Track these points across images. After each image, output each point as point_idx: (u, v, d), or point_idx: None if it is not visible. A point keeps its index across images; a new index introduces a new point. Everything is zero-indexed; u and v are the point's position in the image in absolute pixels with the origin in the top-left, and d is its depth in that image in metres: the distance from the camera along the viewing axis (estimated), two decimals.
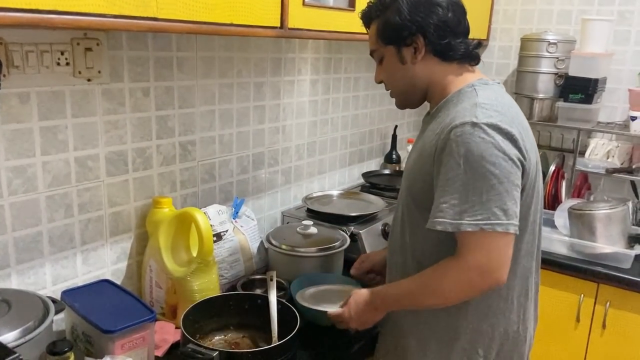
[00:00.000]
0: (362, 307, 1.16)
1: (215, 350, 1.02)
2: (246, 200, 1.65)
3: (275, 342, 1.11)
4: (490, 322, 1.11)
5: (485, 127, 0.97)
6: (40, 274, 1.17)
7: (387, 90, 1.22)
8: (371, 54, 1.20)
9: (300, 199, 1.88)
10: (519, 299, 1.13)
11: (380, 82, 1.22)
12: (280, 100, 1.75)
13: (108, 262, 1.31)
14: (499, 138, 0.97)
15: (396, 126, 2.34)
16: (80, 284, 1.23)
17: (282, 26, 1.21)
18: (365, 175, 2.18)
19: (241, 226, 1.53)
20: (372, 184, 2.11)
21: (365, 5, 1.16)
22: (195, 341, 1.05)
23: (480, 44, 1.17)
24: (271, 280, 1.27)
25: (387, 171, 2.27)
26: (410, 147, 2.26)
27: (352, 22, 1.45)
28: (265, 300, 1.24)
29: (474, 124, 0.98)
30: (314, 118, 1.92)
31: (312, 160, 1.96)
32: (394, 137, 2.33)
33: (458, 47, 1.09)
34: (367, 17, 1.18)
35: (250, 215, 1.59)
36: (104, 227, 1.28)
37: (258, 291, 1.42)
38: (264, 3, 1.15)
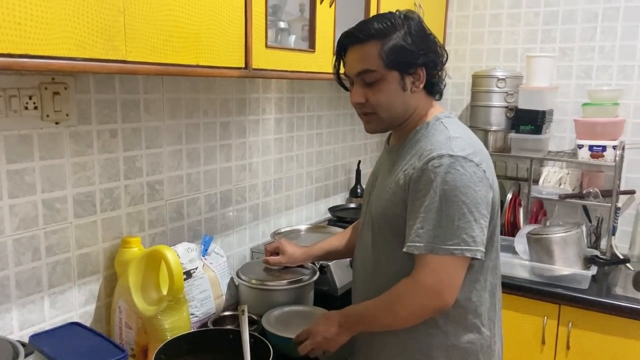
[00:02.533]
0: (325, 323, 1.21)
1: None
2: (215, 238, 1.66)
3: None
4: (467, 337, 1.16)
5: (461, 160, 1.06)
6: (7, 319, 1.15)
7: (365, 111, 1.18)
8: (361, 73, 1.14)
9: (268, 235, 1.91)
10: (489, 313, 1.19)
11: (359, 103, 1.17)
12: (246, 139, 1.79)
13: (76, 305, 1.30)
14: (471, 170, 1.06)
15: (359, 161, 2.41)
16: (47, 328, 1.21)
17: (246, 67, 1.27)
18: (332, 209, 2.23)
19: (211, 263, 1.54)
20: (339, 217, 2.15)
21: (366, 20, 1.16)
22: None
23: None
24: (242, 314, 1.28)
25: (352, 205, 2.32)
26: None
27: (313, 62, 1.53)
28: (237, 334, 1.24)
29: (451, 156, 1.06)
30: (279, 155, 1.97)
31: (279, 197, 2.00)
32: (358, 172, 2.40)
33: (441, 83, 1.19)
34: (366, 34, 1.12)
35: (220, 252, 1.60)
36: (72, 270, 1.27)
37: (230, 327, 1.42)
38: (229, 45, 1.21)
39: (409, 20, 1.13)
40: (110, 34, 0.94)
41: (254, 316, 1.40)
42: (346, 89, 1.24)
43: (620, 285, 1.89)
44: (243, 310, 1.29)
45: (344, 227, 1.97)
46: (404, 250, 1.09)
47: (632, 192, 2.16)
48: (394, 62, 1.12)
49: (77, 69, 0.90)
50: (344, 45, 1.17)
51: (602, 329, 1.79)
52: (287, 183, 2.04)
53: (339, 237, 1.55)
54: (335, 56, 1.21)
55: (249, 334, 1.23)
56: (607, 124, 2.03)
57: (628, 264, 2.03)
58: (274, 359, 1.16)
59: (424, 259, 1.07)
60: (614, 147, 1.99)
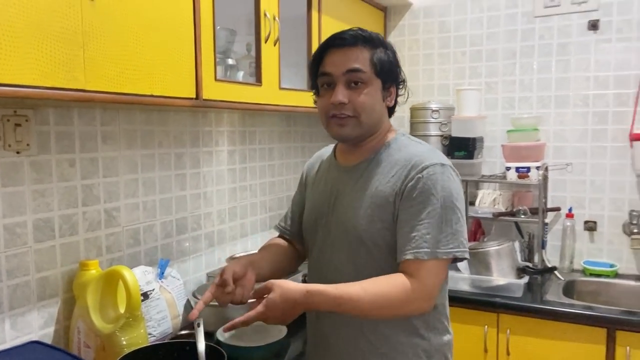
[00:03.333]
0: (288, 307, 1.07)
1: None
2: (172, 263, 1.74)
3: None
4: (443, 339, 1.25)
5: (449, 169, 1.16)
6: None
7: (344, 114, 1.17)
8: (351, 71, 1.16)
9: (224, 260, 1.99)
10: (449, 316, 1.30)
11: (341, 103, 1.16)
12: (200, 169, 1.90)
13: (36, 327, 1.34)
14: (457, 178, 1.17)
15: None
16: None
17: (197, 97, 1.40)
18: None
19: (167, 285, 1.61)
20: None
21: (351, 29, 1.20)
22: None
23: None
24: (198, 326, 1.35)
25: None
26: None
27: (260, 95, 1.68)
28: (193, 345, 1.31)
29: (442, 165, 1.14)
30: (233, 185, 2.08)
31: (234, 224, 2.10)
32: None
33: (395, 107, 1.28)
34: (358, 38, 1.18)
35: (176, 276, 1.68)
36: (32, 292, 1.33)
37: (186, 340, 1.48)
38: (180, 78, 1.34)
39: (386, 42, 1.23)
40: (70, 66, 1.06)
41: (209, 331, 1.48)
42: (317, 93, 1.24)
43: (552, 293, 2.06)
44: (199, 323, 1.37)
45: None
46: (407, 258, 1.10)
47: (557, 209, 2.37)
48: (381, 72, 1.18)
49: (42, 96, 1.01)
50: (331, 45, 1.19)
51: (537, 334, 1.94)
52: (241, 211, 2.14)
53: (267, 259, 1.35)
54: (314, 59, 1.22)
55: (205, 344, 1.31)
56: (529, 147, 2.25)
57: (558, 274, 2.22)
58: None
59: (425, 264, 1.10)
60: (537, 168, 2.20)
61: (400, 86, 1.26)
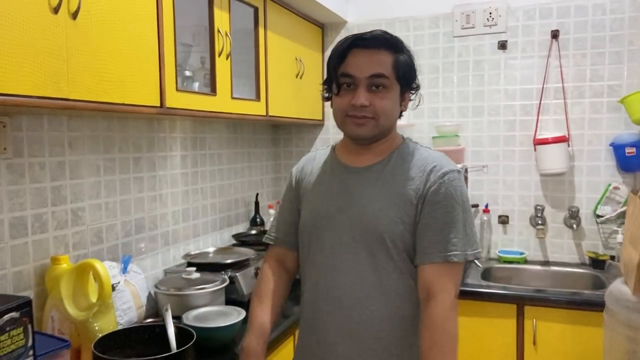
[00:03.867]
0: None
1: None
2: (132, 260, 1.87)
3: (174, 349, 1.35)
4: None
5: (462, 174, 1.23)
6: None
7: (365, 115, 1.19)
8: (374, 76, 1.18)
9: (179, 259, 2.13)
10: None
11: (363, 106, 1.18)
12: (156, 172, 2.04)
13: None
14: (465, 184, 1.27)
15: (257, 194, 2.73)
16: None
17: (162, 105, 1.56)
18: (235, 236, 2.50)
19: (130, 279, 1.74)
20: (243, 241, 2.43)
21: (375, 31, 1.22)
22: None
23: None
24: (167, 310, 1.51)
25: (254, 231, 2.61)
26: (272, 212, 2.65)
27: (215, 104, 1.85)
28: (163, 328, 1.46)
29: (458, 172, 1.21)
30: (186, 187, 2.23)
31: (187, 225, 2.24)
32: (257, 203, 2.70)
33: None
34: (382, 42, 1.20)
35: (137, 271, 1.81)
36: (8, 285, 1.43)
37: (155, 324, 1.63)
38: (148, 89, 1.50)
39: (407, 47, 1.23)
40: (56, 78, 1.20)
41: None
42: (336, 90, 1.23)
43: (472, 277, 2.35)
44: (167, 308, 1.52)
45: (249, 248, 2.25)
46: (437, 260, 1.16)
47: (476, 206, 2.70)
48: (401, 77, 1.20)
49: (34, 104, 1.15)
50: (355, 45, 1.20)
51: (460, 312, 2.21)
52: (194, 213, 2.29)
53: (266, 307, 1.36)
54: (337, 57, 1.23)
55: (174, 325, 1.46)
56: (451, 151, 2.56)
57: (477, 262, 2.52)
58: (194, 344, 1.40)
59: (454, 267, 1.16)
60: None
61: (413, 92, 1.29)
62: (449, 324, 1.14)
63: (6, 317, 0.98)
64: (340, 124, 1.26)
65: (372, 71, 1.18)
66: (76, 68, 1.25)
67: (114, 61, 1.36)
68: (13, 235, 1.45)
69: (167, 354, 1.32)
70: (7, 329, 0.99)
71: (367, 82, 1.19)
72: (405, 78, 1.22)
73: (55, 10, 1.19)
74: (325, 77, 1.32)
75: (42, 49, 1.15)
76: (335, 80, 1.24)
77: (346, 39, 1.23)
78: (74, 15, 1.24)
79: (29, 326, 1.04)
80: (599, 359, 1.89)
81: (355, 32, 1.29)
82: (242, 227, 2.67)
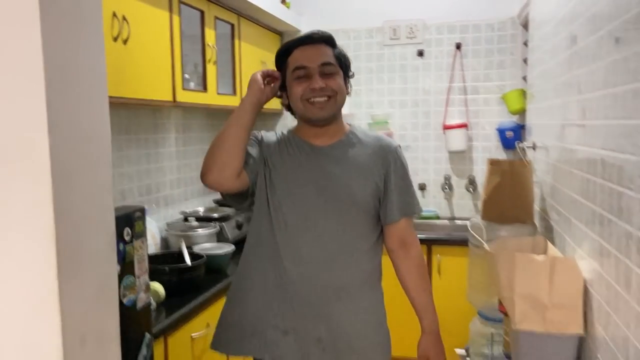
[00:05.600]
0: (439, 343, 1.53)
1: None
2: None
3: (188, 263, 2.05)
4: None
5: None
6: None
7: (327, 97, 1.40)
8: (325, 64, 1.41)
9: (177, 216, 2.80)
10: None
11: (322, 87, 1.39)
12: (158, 150, 2.69)
13: None
14: None
15: None
16: None
17: (174, 100, 2.22)
18: (215, 200, 3.18)
19: (148, 225, 2.40)
20: (222, 204, 3.12)
21: (315, 31, 1.47)
22: None
23: None
24: (182, 242, 2.19)
25: None
26: None
27: (206, 98, 2.52)
28: (180, 255, 2.14)
29: (400, 146, 1.55)
30: (178, 162, 2.89)
31: (180, 190, 2.91)
32: None
33: None
34: (323, 39, 1.44)
35: (151, 221, 2.47)
36: None
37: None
38: (166, 88, 2.15)
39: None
40: (115, 83, 1.85)
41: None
42: (282, 89, 1.48)
43: None
44: (182, 241, 2.20)
45: (228, 208, 2.93)
46: (406, 216, 1.48)
47: None
48: (343, 65, 1.45)
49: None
50: (301, 43, 1.43)
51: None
52: (185, 181, 2.95)
53: None
54: (283, 53, 1.47)
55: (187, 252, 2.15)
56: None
57: None
58: (204, 262, 2.09)
59: (413, 220, 1.51)
60: None
61: (349, 81, 1.50)
62: (424, 261, 1.57)
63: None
64: (303, 111, 1.43)
65: (322, 60, 1.41)
66: (127, 76, 1.90)
67: (147, 71, 2.02)
68: None
69: (188, 265, 2.01)
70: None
71: (319, 70, 1.40)
72: (346, 66, 1.48)
73: (115, 38, 1.84)
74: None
75: (108, 64, 1.80)
76: (289, 76, 1.44)
77: (288, 43, 1.47)
78: (125, 42, 1.89)
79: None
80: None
81: None
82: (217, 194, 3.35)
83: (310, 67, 1.41)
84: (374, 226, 1.50)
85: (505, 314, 1.58)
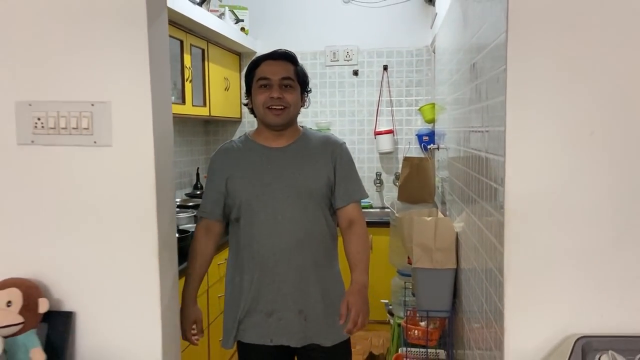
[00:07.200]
0: (362, 293, 1.60)
1: None
2: None
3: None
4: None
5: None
6: None
7: (282, 107, 1.59)
8: (285, 78, 1.59)
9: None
10: None
11: (280, 98, 1.58)
12: None
13: None
14: None
15: (198, 168, 3.99)
16: None
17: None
18: (187, 194, 3.77)
19: None
20: (192, 197, 3.72)
21: (279, 50, 1.69)
22: None
23: None
24: None
25: (198, 192, 3.89)
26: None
27: (184, 109, 3.13)
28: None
29: (344, 143, 1.76)
30: None
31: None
32: (197, 174, 3.96)
33: None
34: (286, 56, 1.63)
35: None
36: None
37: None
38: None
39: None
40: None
41: None
42: (248, 95, 1.71)
43: None
44: None
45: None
46: (353, 201, 1.66)
47: None
48: (301, 81, 1.64)
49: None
50: (267, 58, 1.63)
51: None
52: None
53: (201, 265, 1.73)
54: (252, 67, 1.67)
55: None
56: None
57: None
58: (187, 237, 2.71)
59: (359, 203, 1.68)
60: None
61: (307, 94, 1.72)
62: (367, 236, 1.73)
63: None
64: (263, 116, 1.64)
65: (282, 74, 1.61)
66: None
67: None
68: None
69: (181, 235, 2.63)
70: None
71: (279, 83, 1.60)
72: (304, 82, 1.69)
73: None
74: (242, 89, 1.96)
75: None
76: (254, 85, 1.64)
77: (258, 57, 1.68)
78: None
79: None
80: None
81: None
82: (189, 189, 3.95)
83: (272, 79, 1.62)
84: (330, 211, 1.73)
85: (410, 263, 2.31)
